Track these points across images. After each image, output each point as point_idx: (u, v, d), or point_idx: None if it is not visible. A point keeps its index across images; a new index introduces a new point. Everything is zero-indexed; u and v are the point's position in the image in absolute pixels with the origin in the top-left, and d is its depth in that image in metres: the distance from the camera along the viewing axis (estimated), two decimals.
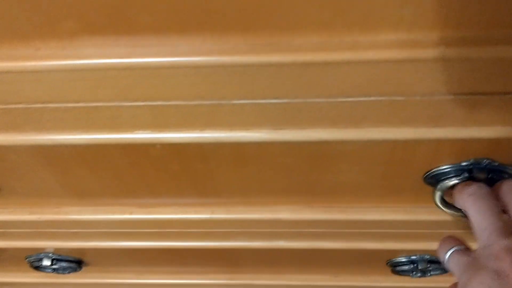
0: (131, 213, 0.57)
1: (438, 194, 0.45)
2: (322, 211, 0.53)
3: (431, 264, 0.62)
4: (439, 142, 0.39)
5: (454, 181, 0.43)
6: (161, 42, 0.32)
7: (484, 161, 0.41)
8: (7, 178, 0.52)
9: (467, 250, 0.40)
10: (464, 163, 0.42)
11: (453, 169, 0.43)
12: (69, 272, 0.75)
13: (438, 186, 0.44)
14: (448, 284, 0.43)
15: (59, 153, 0.45)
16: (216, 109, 0.37)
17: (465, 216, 0.42)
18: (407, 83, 0.33)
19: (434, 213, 0.51)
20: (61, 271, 0.75)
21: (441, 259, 0.42)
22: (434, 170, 0.43)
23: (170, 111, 0.38)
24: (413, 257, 0.62)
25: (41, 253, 0.72)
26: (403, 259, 0.63)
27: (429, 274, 0.64)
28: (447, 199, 0.45)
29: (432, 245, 0.57)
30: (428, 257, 0.61)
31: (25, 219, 0.59)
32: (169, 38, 0.32)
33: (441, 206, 0.46)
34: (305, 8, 0.29)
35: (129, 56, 0.32)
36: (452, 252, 0.40)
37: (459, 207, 0.42)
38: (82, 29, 0.32)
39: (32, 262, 0.74)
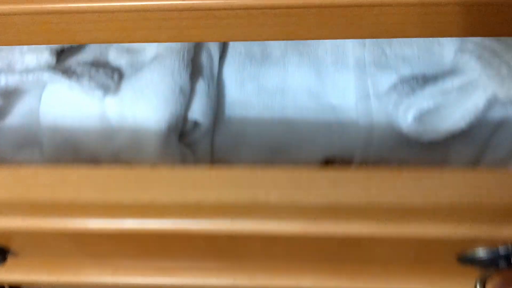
0: (152, 276, 0.56)
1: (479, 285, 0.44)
2: (348, 280, 0.52)
3: None
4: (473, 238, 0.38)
5: (491, 270, 0.42)
6: None
7: None
8: (23, 246, 0.51)
9: None
10: (501, 249, 0.41)
11: (488, 254, 0.41)
12: None
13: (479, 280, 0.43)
14: None
15: (85, 236, 0.44)
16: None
17: None
18: None
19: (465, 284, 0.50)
20: None
21: None
22: (468, 254, 0.42)
23: None
24: None
25: None
26: None
27: None
28: None
29: None
30: None
31: (43, 280, 0.58)
32: None
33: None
34: None
35: None
36: None
37: None
38: None
39: None
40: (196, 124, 0.50)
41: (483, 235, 0.39)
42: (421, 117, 0.43)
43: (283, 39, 0.42)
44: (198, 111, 0.49)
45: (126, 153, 0.49)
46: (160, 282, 0.56)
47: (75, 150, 0.51)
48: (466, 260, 0.43)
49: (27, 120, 0.52)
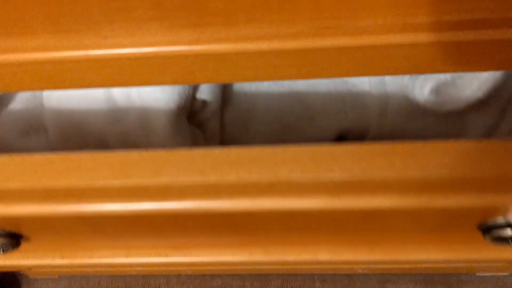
0: (166, 255, 0.56)
1: (489, 239, 0.44)
2: (365, 252, 0.52)
3: None
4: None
5: (509, 233, 0.42)
6: (228, 27, 0.33)
7: None
8: (36, 231, 0.51)
9: None
10: None
11: (508, 222, 0.41)
12: None
13: (491, 234, 0.43)
14: None
15: (100, 220, 0.43)
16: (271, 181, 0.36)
17: None
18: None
19: (481, 250, 0.50)
20: None
21: None
22: (489, 222, 0.42)
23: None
24: None
25: None
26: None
27: None
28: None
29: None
30: None
31: (57, 263, 0.58)
32: (237, 22, 0.33)
33: (493, 243, 0.45)
34: None
35: (195, 43, 0.34)
36: None
37: None
38: (151, 16, 0.33)
39: None
40: (205, 103, 0.49)
41: (502, 204, 0.38)
42: (438, 89, 0.43)
43: (295, 79, 0.40)
44: (206, 90, 0.48)
45: (135, 135, 0.48)
46: (174, 260, 0.56)
47: (81, 134, 0.50)
48: (487, 228, 0.43)
49: (31, 105, 0.50)
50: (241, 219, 0.45)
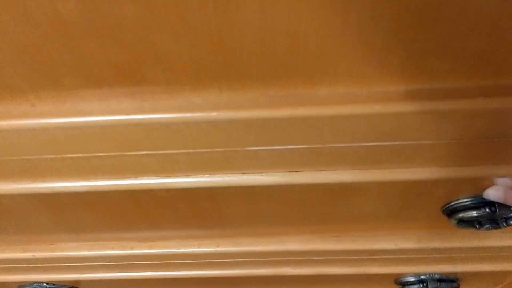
0: (131, 248, 0.54)
1: (454, 222, 0.43)
2: (333, 241, 0.51)
3: (441, 283, 0.61)
4: (461, 179, 0.37)
5: (473, 213, 0.41)
6: (172, 96, 0.29)
7: None
8: None
9: None
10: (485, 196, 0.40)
11: (473, 202, 0.41)
12: None
13: (456, 217, 0.43)
14: None
15: (57, 198, 0.42)
16: (229, 155, 0.35)
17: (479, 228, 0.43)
18: (435, 130, 0.31)
19: (448, 239, 0.49)
20: None
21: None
22: (453, 203, 0.42)
23: (179, 158, 0.35)
24: (422, 277, 0.61)
25: (34, 283, 0.69)
26: (412, 279, 0.61)
27: None
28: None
29: (443, 268, 0.56)
30: (438, 276, 0.60)
31: (18, 257, 0.56)
32: (181, 91, 0.29)
33: (458, 226, 0.44)
34: (330, 59, 0.27)
35: (136, 112, 0.29)
36: None
37: None
38: (83, 84, 0.29)
39: None
40: None
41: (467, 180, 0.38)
42: None
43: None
44: None
45: None
46: (140, 253, 0.54)
47: None
48: (451, 210, 0.42)
49: None
50: (205, 206, 0.44)
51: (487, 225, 0.43)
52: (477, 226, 0.44)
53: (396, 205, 0.43)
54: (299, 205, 0.43)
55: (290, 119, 0.29)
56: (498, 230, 0.44)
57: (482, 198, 0.40)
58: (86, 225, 0.50)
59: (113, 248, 0.54)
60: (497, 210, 0.39)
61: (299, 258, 0.55)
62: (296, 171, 0.36)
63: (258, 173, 0.37)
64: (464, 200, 0.41)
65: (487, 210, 0.40)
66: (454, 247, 0.49)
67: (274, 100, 0.29)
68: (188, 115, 0.29)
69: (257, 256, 0.54)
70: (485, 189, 0.39)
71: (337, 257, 0.54)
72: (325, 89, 0.28)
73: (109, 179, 0.38)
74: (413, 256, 0.53)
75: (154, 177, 0.38)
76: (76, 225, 0.50)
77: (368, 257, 0.54)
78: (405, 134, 0.31)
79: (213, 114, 0.29)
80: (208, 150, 0.34)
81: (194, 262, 0.57)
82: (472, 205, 0.41)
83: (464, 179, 0.37)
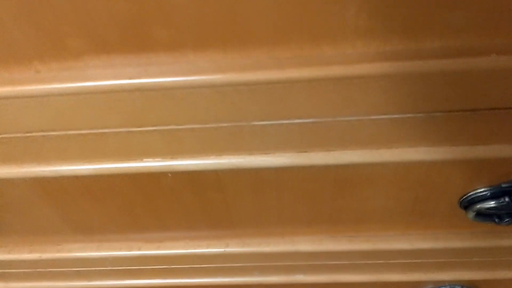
0: (139, 249, 0.53)
1: (471, 214, 0.41)
2: (346, 241, 0.49)
3: None
4: (478, 162, 0.36)
5: (491, 204, 0.39)
6: (176, 60, 0.29)
7: None
8: (4, 214, 0.48)
9: None
10: (504, 185, 0.38)
11: (491, 191, 0.39)
12: None
13: (472, 208, 0.41)
14: None
15: (61, 185, 0.41)
16: (235, 131, 0.34)
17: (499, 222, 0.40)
18: (448, 97, 0.29)
19: (467, 239, 0.47)
20: None
21: None
22: (470, 193, 0.40)
23: (184, 135, 0.35)
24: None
25: None
26: None
27: None
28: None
29: (464, 275, 0.54)
30: (459, 287, 0.57)
31: (24, 258, 0.55)
32: (186, 54, 0.28)
33: (476, 220, 0.42)
34: (335, 17, 0.26)
35: (140, 76, 0.29)
36: None
37: None
38: (88, 47, 0.29)
39: None
40: None
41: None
42: None
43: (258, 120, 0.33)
44: None
45: None
46: (147, 253, 0.53)
47: None
48: (468, 202, 0.40)
49: None
50: (215, 205, 0.43)
51: (508, 219, 0.41)
52: (496, 220, 0.41)
53: (410, 199, 0.42)
54: (308, 197, 0.42)
55: (296, 82, 0.28)
56: None
57: (501, 187, 0.38)
58: (92, 221, 0.49)
59: (120, 249, 0.53)
60: None
61: (311, 263, 0.53)
62: (305, 151, 0.35)
63: (265, 154, 0.36)
64: (482, 190, 0.39)
65: (507, 199, 0.38)
66: (473, 247, 0.46)
67: (280, 61, 0.28)
68: (192, 78, 0.29)
69: (267, 259, 0.52)
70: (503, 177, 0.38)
71: (351, 262, 0.52)
72: (332, 49, 0.27)
73: (114, 161, 0.38)
74: (431, 260, 0.51)
75: (160, 159, 0.37)
76: (82, 222, 0.49)
77: (384, 261, 0.51)
78: (416, 103, 0.30)
79: (218, 77, 0.28)
80: (213, 125, 0.33)
81: (203, 268, 0.56)
82: (490, 195, 0.39)
83: (481, 163, 0.36)
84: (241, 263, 0.53)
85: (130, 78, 0.29)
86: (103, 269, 0.58)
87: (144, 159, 0.37)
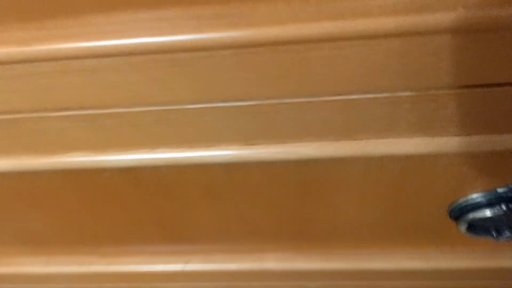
0: (90, 263, 0.47)
1: (463, 227, 0.35)
2: (319, 259, 0.42)
3: None
4: (466, 158, 0.29)
5: (486, 213, 0.33)
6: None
7: None
8: None
9: None
10: (500, 190, 0.32)
11: (485, 197, 0.32)
12: None
13: (464, 218, 0.34)
14: None
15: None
16: (167, 117, 0.28)
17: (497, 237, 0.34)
18: (417, 70, 0.23)
19: (464, 258, 0.40)
20: None
21: None
22: (461, 200, 0.33)
23: (110, 123, 0.29)
24: None
25: None
26: None
27: None
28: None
29: None
30: None
31: None
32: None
33: (469, 235, 0.35)
34: None
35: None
36: None
37: None
38: None
39: None
40: None
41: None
42: None
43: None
44: None
45: None
46: (98, 270, 0.47)
47: None
48: (458, 209, 0.34)
49: None
50: (170, 218, 0.37)
51: (508, 233, 0.34)
52: (494, 234, 0.35)
53: (389, 208, 0.35)
54: (270, 204, 0.36)
55: (222, 49, 0.23)
56: None
57: (497, 192, 0.32)
58: (37, 232, 0.43)
59: (70, 263, 0.47)
60: None
61: (283, 283, 0.46)
62: (252, 144, 0.29)
63: (207, 146, 0.30)
64: (475, 196, 0.33)
65: (504, 207, 0.32)
66: (470, 268, 0.39)
67: (201, 22, 0.22)
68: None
69: (233, 279, 0.46)
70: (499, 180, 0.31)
71: (326, 282, 0.45)
72: (264, 9, 0.22)
73: (28, 155, 0.32)
74: (424, 282, 0.43)
75: (86, 154, 0.31)
76: (26, 231, 0.44)
77: (366, 282, 0.44)
78: (387, 76, 0.24)
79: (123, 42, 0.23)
80: (140, 108, 0.28)
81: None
82: (485, 202, 0.32)
83: (472, 159, 0.29)
84: (203, 282, 0.46)
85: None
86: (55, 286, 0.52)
87: (69, 154, 0.32)
